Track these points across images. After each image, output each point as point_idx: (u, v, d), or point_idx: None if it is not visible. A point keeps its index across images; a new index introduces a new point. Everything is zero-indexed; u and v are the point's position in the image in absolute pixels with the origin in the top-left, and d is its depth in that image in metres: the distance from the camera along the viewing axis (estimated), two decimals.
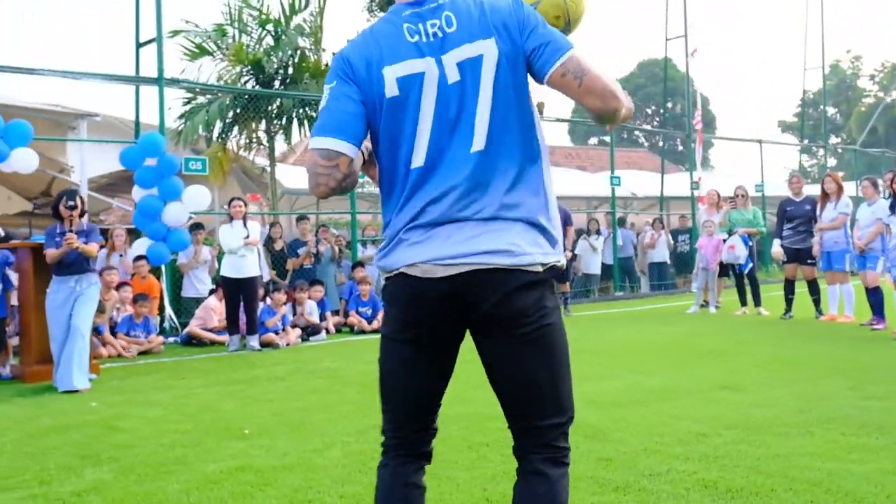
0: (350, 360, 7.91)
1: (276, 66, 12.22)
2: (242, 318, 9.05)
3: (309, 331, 9.81)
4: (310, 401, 5.81)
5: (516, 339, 1.97)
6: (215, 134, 12.22)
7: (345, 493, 3.49)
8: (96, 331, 8.07)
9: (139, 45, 10.36)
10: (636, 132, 36.22)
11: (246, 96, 11.99)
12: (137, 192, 9.77)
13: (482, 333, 2.02)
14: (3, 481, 3.86)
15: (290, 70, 12.54)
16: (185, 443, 4.55)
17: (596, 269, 15.38)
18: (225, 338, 9.21)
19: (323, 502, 3.39)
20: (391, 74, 1.95)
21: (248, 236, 8.81)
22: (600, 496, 3.34)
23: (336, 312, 10.93)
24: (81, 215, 6.89)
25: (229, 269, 8.86)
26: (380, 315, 10.65)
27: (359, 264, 11.47)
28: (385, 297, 2.11)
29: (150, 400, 6.08)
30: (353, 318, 10.54)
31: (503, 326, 1.97)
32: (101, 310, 8.13)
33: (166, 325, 10.08)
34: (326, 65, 13.27)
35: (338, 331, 10.57)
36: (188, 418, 5.30)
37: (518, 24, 1.97)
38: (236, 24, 12.30)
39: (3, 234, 7.95)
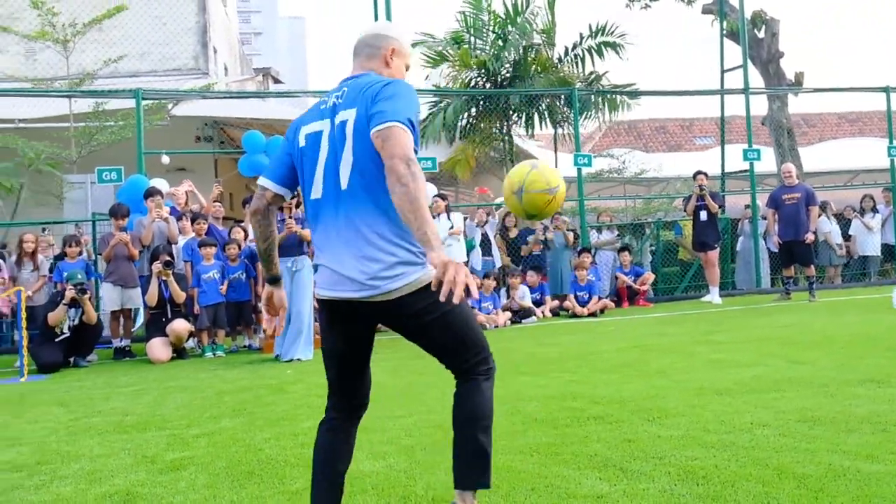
0: (525, 340, 8.44)
1: (504, 65, 12.98)
2: None
3: (521, 314, 10.46)
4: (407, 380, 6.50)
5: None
6: (457, 133, 13.34)
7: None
8: None
9: None
10: None
11: (481, 96, 12.95)
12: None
13: None
14: (156, 421, 5.17)
15: (519, 67, 13.20)
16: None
17: (874, 251, 13.88)
18: None
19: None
20: (304, 132, 2.69)
21: (451, 227, 9.70)
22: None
23: (556, 296, 11.43)
24: (298, 206, 8.31)
25: None
26: (594, 299, 10.96)
27: (585, 250, 11.82)
28: None
29: None
30: (568, 302, 10.96)
31: None
32: None
33: None
34: (559, 59, 13.76)
35: (556, 314, 11.06)
36: None
37: (373, 98, 2.53)
38: (471, 30, 13.28)
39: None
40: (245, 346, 9.40)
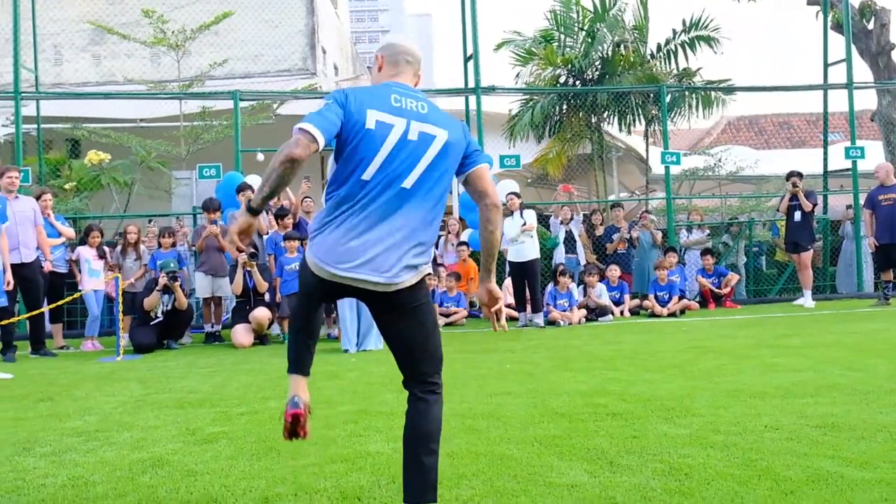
0: (589, 338, 8.47)
1: (593, 62, 12.93)
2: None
3: (597, 312, 10.46)
4: (453, 370, 6.69)
5: None
6: (546, 131, 13.41)
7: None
8: None
9: (466, 60, 12.02)
10: None
11: (569, 94, 12.97)
12: (459, 187, 11.44)
13: None
14: (213, 399, 5.62)
15: (607, 64, 13.11)
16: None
17: None
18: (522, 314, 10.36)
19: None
20: (373, 116, 2.77)
21: (524, 224, 9.83)
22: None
23: (637, 296, 11.34)
24: None
25: (513, 254, 10.00)
26: (675, 299, 10.80)
27: (671, 250, 11.65)
28: None
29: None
30: (648, 302, 10.85)
31: None
32: None
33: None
34: (651, 55, 13.55)
35: (635, 313, 10.98)
36: None
37: (466, 133, 2.96)
38: (561, 28, 13.30)
39: None
40: (325, 336, 9.86)
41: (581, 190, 14.58)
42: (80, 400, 5.89)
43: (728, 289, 11.66)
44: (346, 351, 8.36)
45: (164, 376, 7.02)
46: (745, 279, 12.79)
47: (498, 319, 3.08)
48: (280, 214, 9.85)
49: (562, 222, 11.93)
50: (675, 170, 12.43)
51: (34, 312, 8.73)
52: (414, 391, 2.92)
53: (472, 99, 11.81)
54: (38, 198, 9.22)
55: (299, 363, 3.04)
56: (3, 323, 8.24)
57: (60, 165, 13.48)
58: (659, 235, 12.19)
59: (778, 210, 11.49)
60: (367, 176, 2.76)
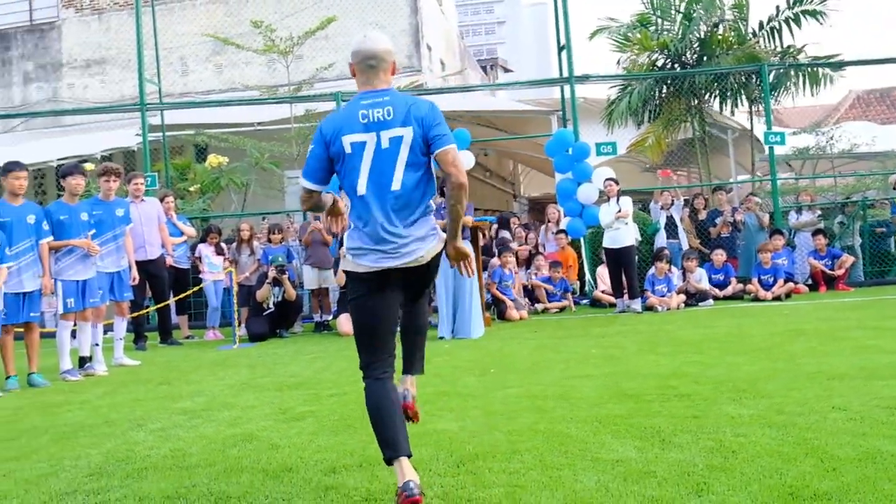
0: (683, 322, 8.43)
1: (691, 44, 12.65)
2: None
3: (697, 297, 10.33)
4: (540, 357, 6.83)
5: None
6: (645, 116, 13.26)
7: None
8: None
9: (560, 50, 12.08)
10: None
11: (666, 78, 12.77)
12: (557, 177, 11.56)
13: None
14: (310, 383, 6.06)
15: (705, 46, 12.78)
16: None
17: None
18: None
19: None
20: (347, 140, 3.21)
21: (619, 210, 9.83)
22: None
23: (742, 280, 11.09)
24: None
25: (608, 241, 10.03)
26: (780, 282, 10.51)
27: (777, 232, 11.33)
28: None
29: (480, 344, 7.82)
30: (751, 286, 10.61)
31: None
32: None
33: (587, 288, 11.69)
34: (752, 33, 13.13)
35: (739, 298, 10.76)
36: (494, 358, 6.87)
37: (423, 122, 3.20)
38: (657, 12, 13.10)
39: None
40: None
41: (691, 174, 14.32)
42: (194, 383, 6.48)
43: (842, 271, 11.21)
44: (441, 338, 8.68)
45: (271, 362, 7.57)
46: (863, 261, 12.22)
47: (461, 272, 3.46)
48: None
49: (662, 207, 11.82)
50: (781, 150, 12.02)
51: (160, 305, 9.55)
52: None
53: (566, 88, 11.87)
54: (161, 200, 10.05)
55: (393, 443, 3.39)
56: (134, 315, 9.08)
57: (186, 169, 14.51)
58: (766, 218, 11.86)
59: (894, 188, 10.94)
60: (361, 190, 3.21)
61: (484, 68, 40.91)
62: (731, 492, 3.02)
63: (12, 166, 6.80)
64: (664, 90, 13.12)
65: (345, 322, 9.52)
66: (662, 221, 11.76)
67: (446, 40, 24.50)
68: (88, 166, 12.90)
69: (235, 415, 5.05)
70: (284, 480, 3.51)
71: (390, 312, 3.35)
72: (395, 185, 3.19)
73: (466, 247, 3.46)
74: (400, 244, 3.22)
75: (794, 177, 13.10)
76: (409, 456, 3.09)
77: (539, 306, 10.78)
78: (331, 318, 10.20)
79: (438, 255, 3.34)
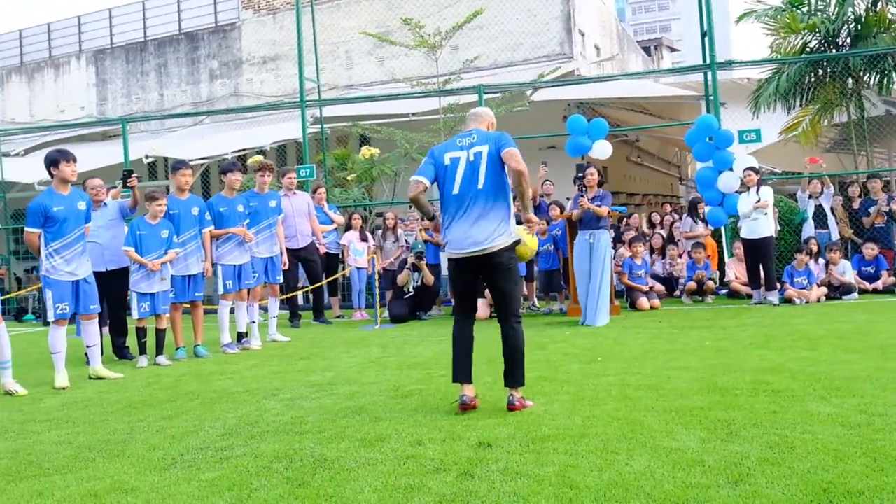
0: (816, 316, 8.21)
1: (847, 22, 11.94)
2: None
3: (841, 290, 9.93)
4: (651, 347, 6.91)
5: None
6: (795, 101, 12.71)
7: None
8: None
9: (703, 36, 11.85)
10: None
11: (820, 61, 12.17)
12: (696, 165, 11.41)
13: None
14: (427, 363, 6.59)
15: (862, 26, 12.02)
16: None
17: None
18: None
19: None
20: (447, 156, 4.81)
21: (758, 200, 9.63)
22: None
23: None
24: (600, 185, 9.17)
25: (746, 231, 9.85)
26: None
27: None
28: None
29: (592, 332, 8.04)
30: None
31: None
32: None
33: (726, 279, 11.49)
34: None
35: (890, 291, 10.23)
36: (593, 347, 7.13)
37: (496, 140, 4.75)
38: None
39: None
40: (558, 310, 10.53)
41: (845, 159, 13.57)
42: (329, 360, 7.21)
43: None
44: (582, 323, 8.93)
45: (402, 343, 8.19)
46: None
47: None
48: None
49: (810, 196, 11.37)
50: None
51: (313, 286, 10.47)
52: (503, 323, 4.85)
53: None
54: (314, 191, 10.96)
55: (458, 373, 4.84)
56: (287, 296, 10.04)
57: (346, 160, 15.54)
58: None
59: None
60: (455, 191, 4.74)
61: (647, 49, 39.99)
62: (769, 484, 3.20)
63: (179, 165, 7.79)
64: (819, 73, 12.48)
65: (480, 307, 10.00)
66: (811, 210, 11.33)
67: (602, 25, 24.29)
68: (257, 157, 14.21)
69: (355, 389, 5.66)
70: (375, 448, 4.02)
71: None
72: (480, 184, 4.70)
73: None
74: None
75: None
76: (467, 382, 4.77)
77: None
78: None
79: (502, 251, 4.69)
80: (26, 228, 6.35)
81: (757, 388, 4.98)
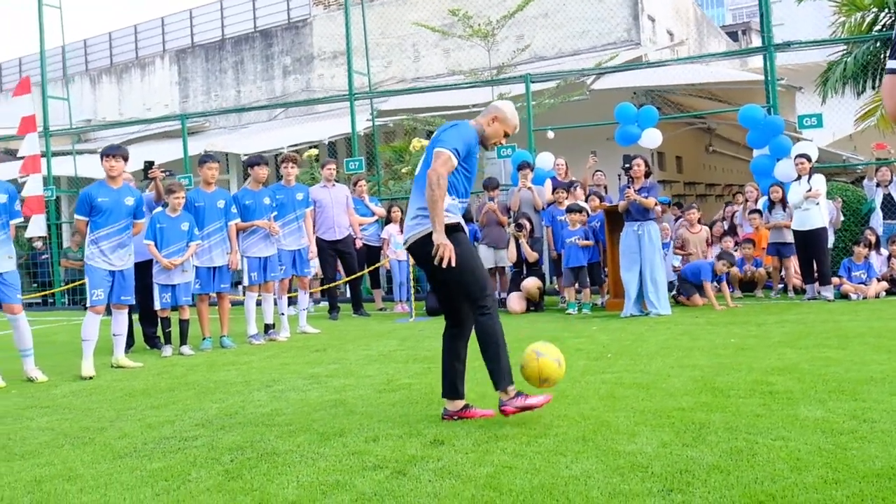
0: (867, 314, 7.68)
1: None
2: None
3: None
4: (671, 344, 6.58)
5: None
6: (868, 84, 11.92)
7: None
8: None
9: (761, 17, 11.25)
10: None
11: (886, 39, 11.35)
12: (753, 153, 10.88)
13: None
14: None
15: None
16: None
17: None
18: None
19: None
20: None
21: (809, 190, 9.08)
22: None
23: None
24: (647, 175, 8.86)
25: (797, 222, 9.31)
26: None
27: None
28: None
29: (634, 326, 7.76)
30: None
31: None
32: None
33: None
34: None
35: None
36: (619, 341, 6.88)
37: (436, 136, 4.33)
38: None
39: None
40: (597, 304, 10.20)
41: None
42: (342, 352, 7.20)
43: None
44: (631, 315, 8.72)
45: (425, 336, 8.10)
46: None
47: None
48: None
49: (878, 184, 10.64)
50: None
51: (350, 278, 10.52)
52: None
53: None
54: (355, 184, 11.00)
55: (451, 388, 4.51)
56: (326, 288, 10.11)
57: (403, 152, 15.56)
58: None
59: None
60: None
61: (734, 34, 38.44)
62: (705, 494, 2.97)
63: (206, 159, 7.93)
64: (882, 54, 11.67)
65: (514, 301, 9.84)
66: (879, 200, 10.61)
67: (676, 9, 23.45)
68: (311, 151, 14.40)
69: (348, 383, 5.62)
70: (329, 443, 3.96)
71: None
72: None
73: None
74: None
75: None
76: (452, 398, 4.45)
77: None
78: (506, 295, 10.54)
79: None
80: (75, 216, 6.79)
81: (755, 389, 4.69)
